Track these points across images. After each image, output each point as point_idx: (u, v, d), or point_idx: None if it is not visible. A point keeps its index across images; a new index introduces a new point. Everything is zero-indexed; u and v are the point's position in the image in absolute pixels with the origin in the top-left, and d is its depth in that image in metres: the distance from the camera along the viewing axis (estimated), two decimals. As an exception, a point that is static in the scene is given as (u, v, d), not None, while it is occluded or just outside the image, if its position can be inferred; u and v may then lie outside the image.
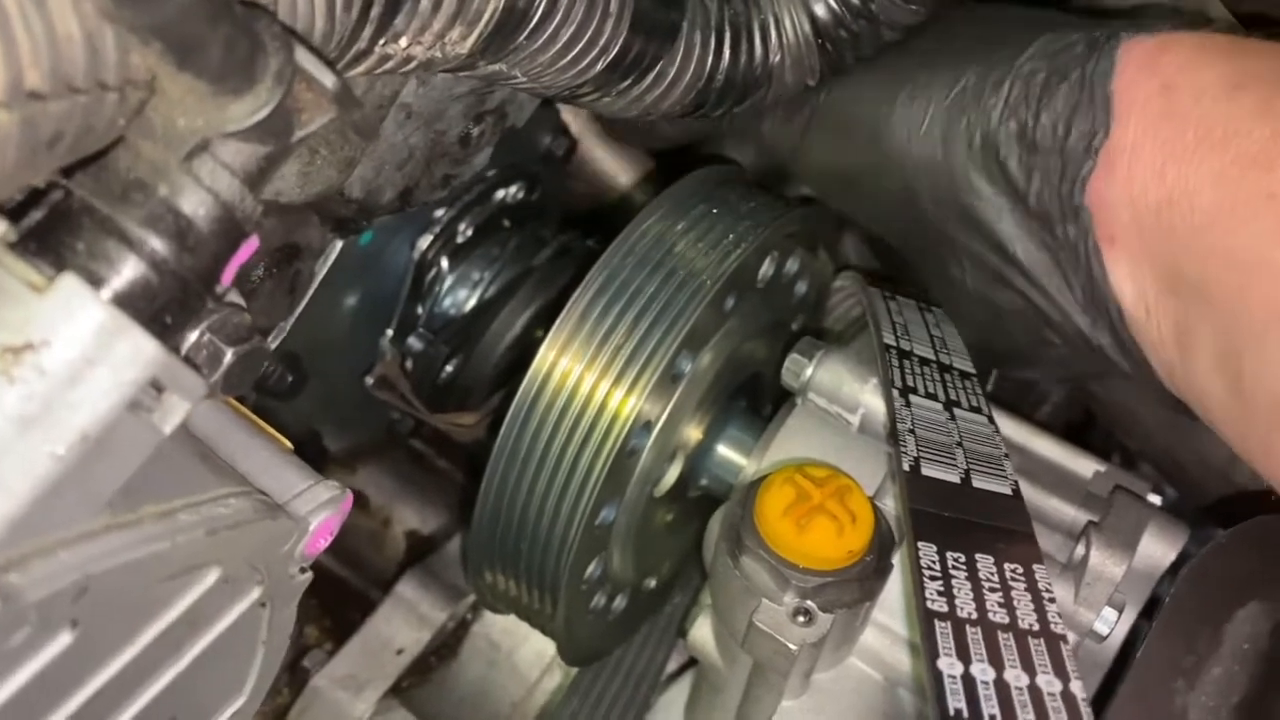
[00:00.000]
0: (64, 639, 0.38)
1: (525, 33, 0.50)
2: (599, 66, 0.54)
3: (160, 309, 0.39)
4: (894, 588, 0.61)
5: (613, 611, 0.74)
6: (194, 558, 0.44)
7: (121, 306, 0.36)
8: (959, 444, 0.59)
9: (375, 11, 0.44)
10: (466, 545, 0.72)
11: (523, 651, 0.86)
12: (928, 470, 0.56)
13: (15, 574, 0.36)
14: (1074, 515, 0.65)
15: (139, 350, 0.36)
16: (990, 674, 0.46)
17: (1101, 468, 0.68)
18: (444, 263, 0.78)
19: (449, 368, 0.80)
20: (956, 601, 0.49)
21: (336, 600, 0.87)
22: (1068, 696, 0.45)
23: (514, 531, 0.65)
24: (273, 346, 0.68)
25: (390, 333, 0.79)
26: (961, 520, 0.54)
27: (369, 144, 0.60)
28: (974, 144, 0.57)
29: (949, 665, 0.46)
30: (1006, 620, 0.49)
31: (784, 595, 0.56)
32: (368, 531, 0.91)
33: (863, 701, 0.63)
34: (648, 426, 0.64)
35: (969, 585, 0.50)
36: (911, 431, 0.58)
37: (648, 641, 0.82)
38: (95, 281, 0.37)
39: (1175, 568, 0.62)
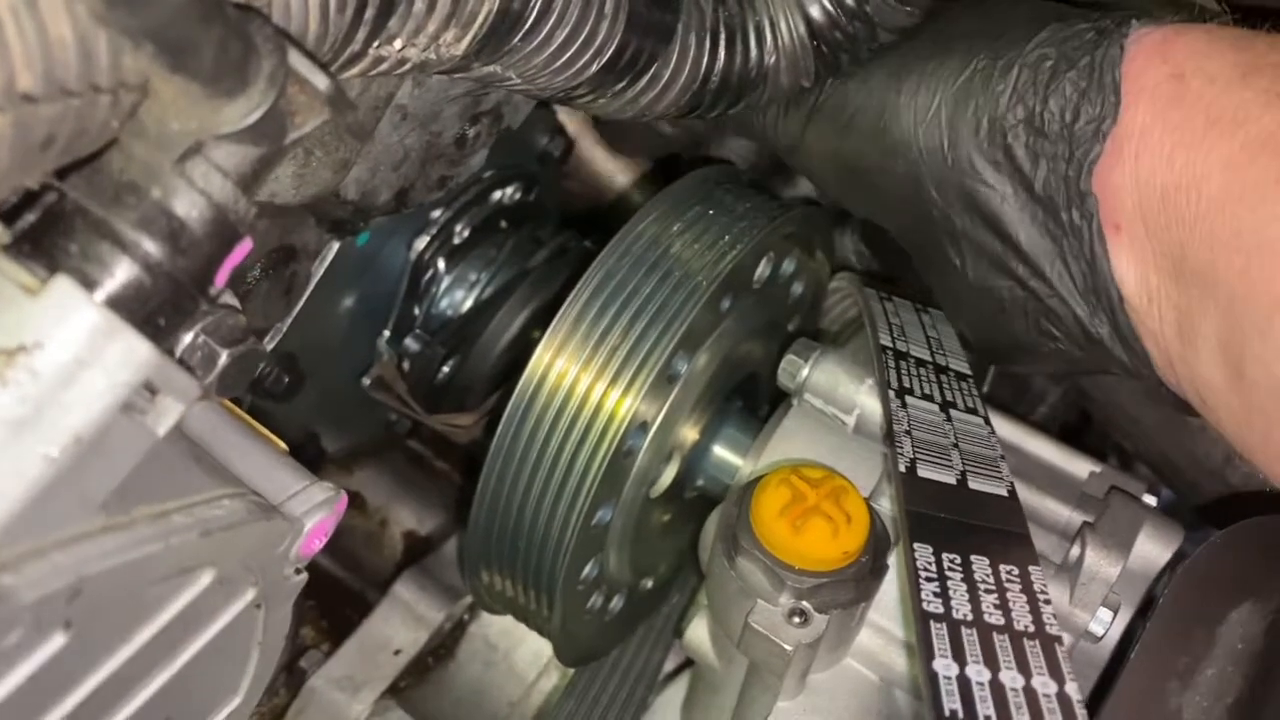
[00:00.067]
0: (58, 640, 0.38)
1: (520, 34, 0.50)
2: (594, 68, 0.54)
3: (154, 311, 0.39)
4: (889, 588, 0.61)
5: (609, 612, 0.74)
6: (188, 559, 0.44)
7: (115, 309, 0.36)
8: (955, 445, 0.59)
9: (369, 13, 0.44)
10: (463, 546, 0.72)
11: (520, 652, 0.86)
12: (924, 472, 0.56)
13: (9, 575, 0.36)
14: (1069, 516, 0.65)
15: (132, 352, 0.36)
16: (986, 675, 0.46)
17: (1097, 468, 0.68)
18: (441, 264, 0.78)
19: (446, 368, 0.80)
20: (952, 603, 0.49)
21: (333, 601, 0.87)
22: (1063, 698, 0.45)
23: (511, 532, 0.65)
24: (269, 348, 0.68)
25: (387, 334, 0.79)
26: (957, 522, 0.54)
27: (364, 146, 0.60)
28: (981, 130, 0.57)
29: (944, 666, 0.46)
30: (1002, 622, 0.49)
31: (779, 596, 0.56)
32: (365, 532, 0.91)
33: (858, 702, 0.63)
34: (644, 427, 0.64)
35: (965, 587, 0.50)
36: (908, 433, 0.59)
37: (644, 642, 0.82)
38: (88, 284, 0.37)
39: (1170, 568, 0.62)
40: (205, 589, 0.45)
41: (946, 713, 0.44)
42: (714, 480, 0.72)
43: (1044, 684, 0.46)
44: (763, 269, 0.69)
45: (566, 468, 0.63)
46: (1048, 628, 0.49)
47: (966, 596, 0.49)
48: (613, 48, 0.54)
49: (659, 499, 0.70)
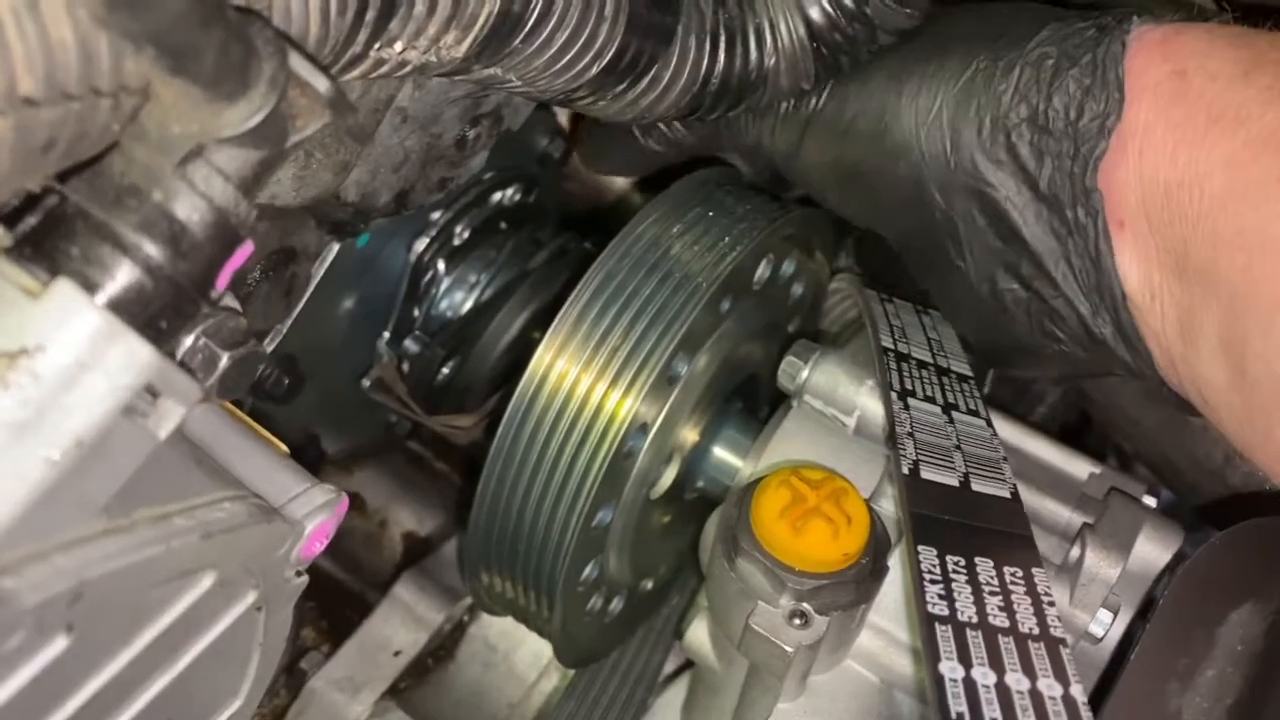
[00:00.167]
0: (59, 643, 0.38)
1: (520, 37, 0.50)
2: (594, 70, 0.54)
3: (155, 314, 0.39)
4: (890, 590, 0.61)
5: (609, 613, 0.74)
6: (189, 562, 0.44)
7: (116, 312, 0.36)
8: (958, 447, 0.59)
9: (370, 16, 0.44)
10: (463, 547, 0.72)
11: (520, 653, 0.86)
12: (927, 474, 0.56)
13: (10, 579, 0.36)
14: (1069, 517, 0.65)
15: (133, 355, 0.36)
16: (991, 678, 0.46)
17: (1097, 469, 0.68)
18: (441, 265, 0.78)
19: (446, 370, 0.80)
20: (957, 605, 0.49)
21: (333, 602, 0.87)
22: (1069, 700, 0.45)
23: (511, 533, 0.65)
24: (269, 350, 0.68)
25: (387, 335, 0.79)
26: (961, 524, 0.54)
27: (364, 148, 0.60)
28: (983, 130, 0.57)
29: (950, 669, 0.46)
30: (1007, 624, 0.49)
31: (780, 598, 0.56)
32: (365, 533, 0.91)
33: (859, 704, 0.63)
34: (644, 428, 0.64)
35: (969, 589, 0.50)
36: (911, 435, 0.58)
37: (644, 643, 0.82)
38: (90, 287, 0.37)
39: (1170, 569, 0.62)
40: (206, 592, 0.45)
41: (953, 715, 0.43)
42: (714, 482, 0.72)
43: (1049, 686, 0.46)
44: (763, 270, 0.69)
45: (567, 469, 0.63)
46: (1052, 630, 0.49)
47: (971, 599, 0.49)
48: (613, 50, 0.54)
49: (659, 500, 0.70)
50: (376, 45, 0.46)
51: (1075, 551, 0.61)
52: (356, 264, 0.73)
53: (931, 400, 0.62)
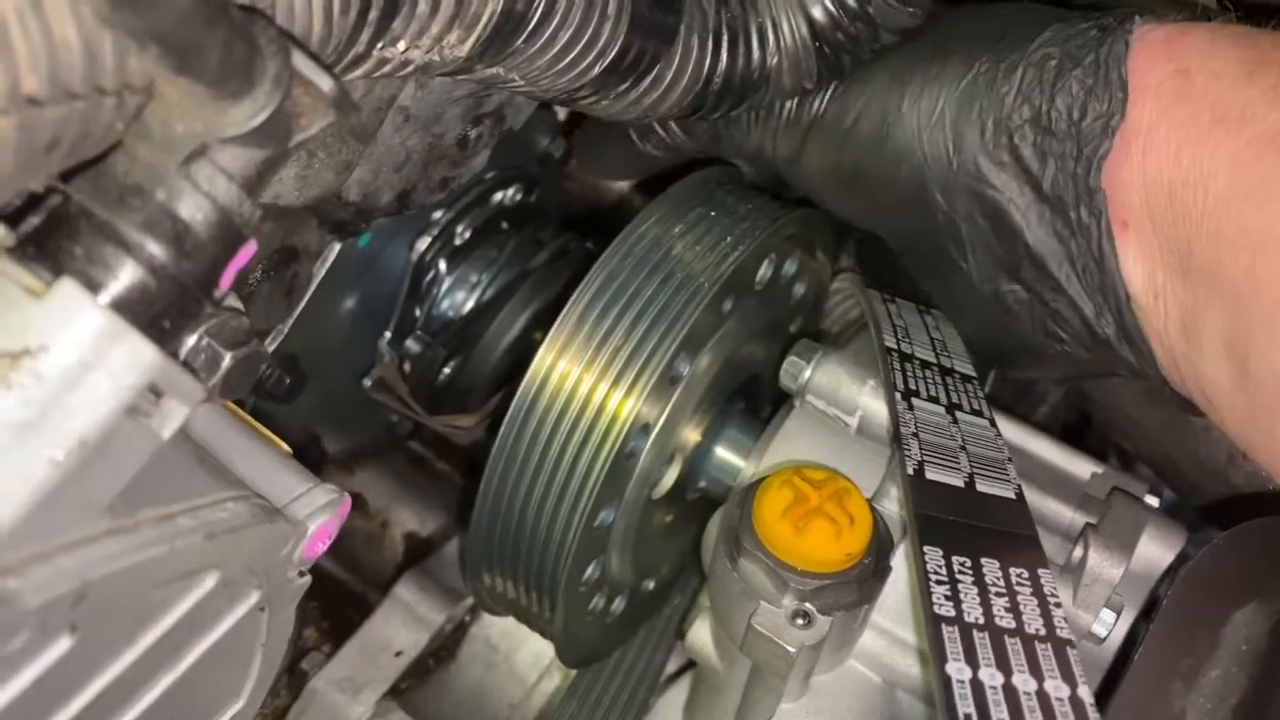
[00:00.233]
0: (63, 644, 0.38)
1: (523, 36, 0.50)
2: (597, 69, 0.54)
3: (158, 314, 0.39)
4: (893, 590, 0.61)
5: (611, 613, 0.74)
6: (192, 562, 0.44)
7: (119, 311, 0.36)
8: (962, 448, 0.59)
9: (373, 15, 0.44)
10: (465, 547, 0.72)
11: (521, 654, 0.86)
12: (932, 474, 0.56)
13: (14, 579, 0.36)
14: (1072, 517, 0.65)
15: (137, 355, 0.36)
16: (999, 679, 0.46)
17: (1099, 469, 0.68)
18: (442, 265, 0.78)
19: (447, 370, 0.80)
20: (963, 606, 0.49)
21: (335, 602, 0.87)
22: (1075, 701, 0.45)
23: (512, 533, 0.65)
24: (270, 349, 0.68)
25: (388, 335, 0.79)
26: (966, 525, 0.54)
27: (366, 147, 0.60)
28: (986, 132, 0.57)
29: (957, 670, 0.45)
30: (1013, 625, 0.48)
31: (782, 598, 0.56)
32: (366, 533, 0.91)
33: (862, 704, 0.63)
34: (646, 428, 0.64)
35: (975, 590, 0.50)
36: (915, 435, 0.58)
37: (646, 643, 0.82)
38: (93, 286, 0.37)
39: (1173, 570, 0.62)
40: (210, 592, 0.45)
41: (961, 717, 0.43)
42: (716, 482, 0.72)
43: (1057, 688, 0.45)
44: (765, 270, 0.69)
45: (569, 469, 0.63)
46: (1059, 631, 0.48)
47: (978, 599, 0.49)
48: (615, 49, 0.54)
49: (661, 500, 0.70)
50: (379, 44, 0.46)
51: (1078, 552, 0.61)
52: (358, 263, 0.72)
53: (935, 400, 0.62)
